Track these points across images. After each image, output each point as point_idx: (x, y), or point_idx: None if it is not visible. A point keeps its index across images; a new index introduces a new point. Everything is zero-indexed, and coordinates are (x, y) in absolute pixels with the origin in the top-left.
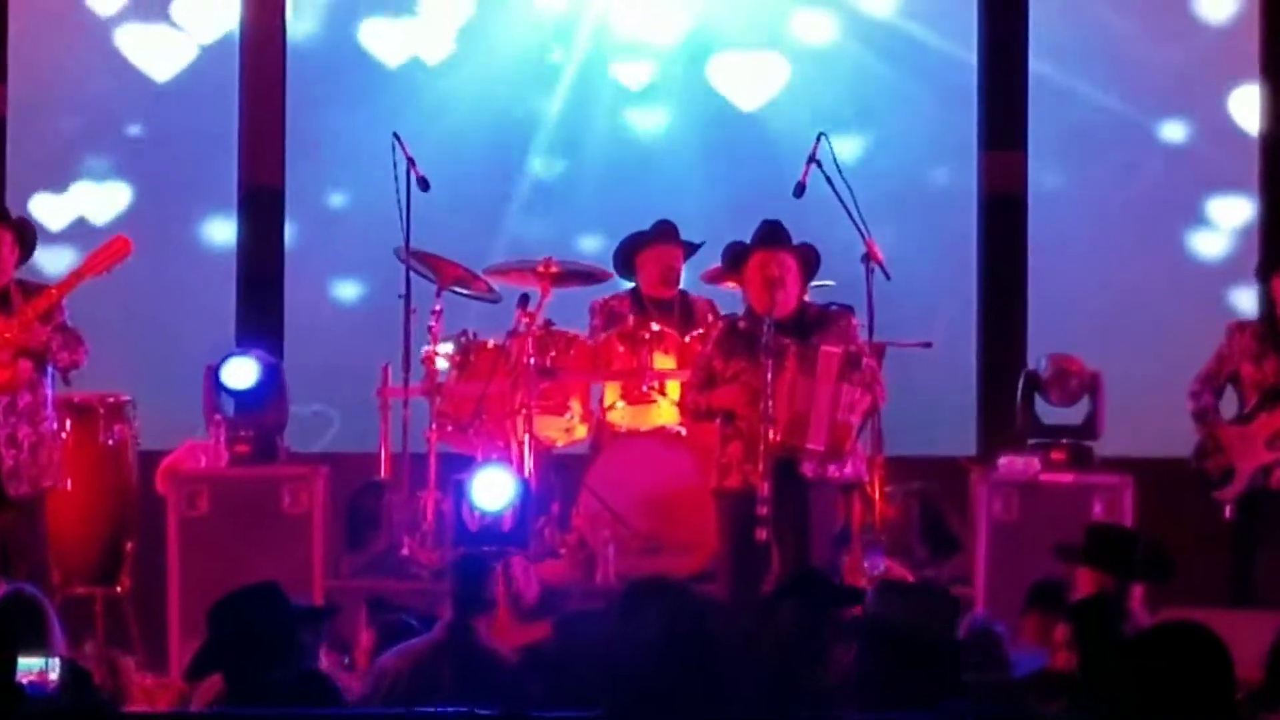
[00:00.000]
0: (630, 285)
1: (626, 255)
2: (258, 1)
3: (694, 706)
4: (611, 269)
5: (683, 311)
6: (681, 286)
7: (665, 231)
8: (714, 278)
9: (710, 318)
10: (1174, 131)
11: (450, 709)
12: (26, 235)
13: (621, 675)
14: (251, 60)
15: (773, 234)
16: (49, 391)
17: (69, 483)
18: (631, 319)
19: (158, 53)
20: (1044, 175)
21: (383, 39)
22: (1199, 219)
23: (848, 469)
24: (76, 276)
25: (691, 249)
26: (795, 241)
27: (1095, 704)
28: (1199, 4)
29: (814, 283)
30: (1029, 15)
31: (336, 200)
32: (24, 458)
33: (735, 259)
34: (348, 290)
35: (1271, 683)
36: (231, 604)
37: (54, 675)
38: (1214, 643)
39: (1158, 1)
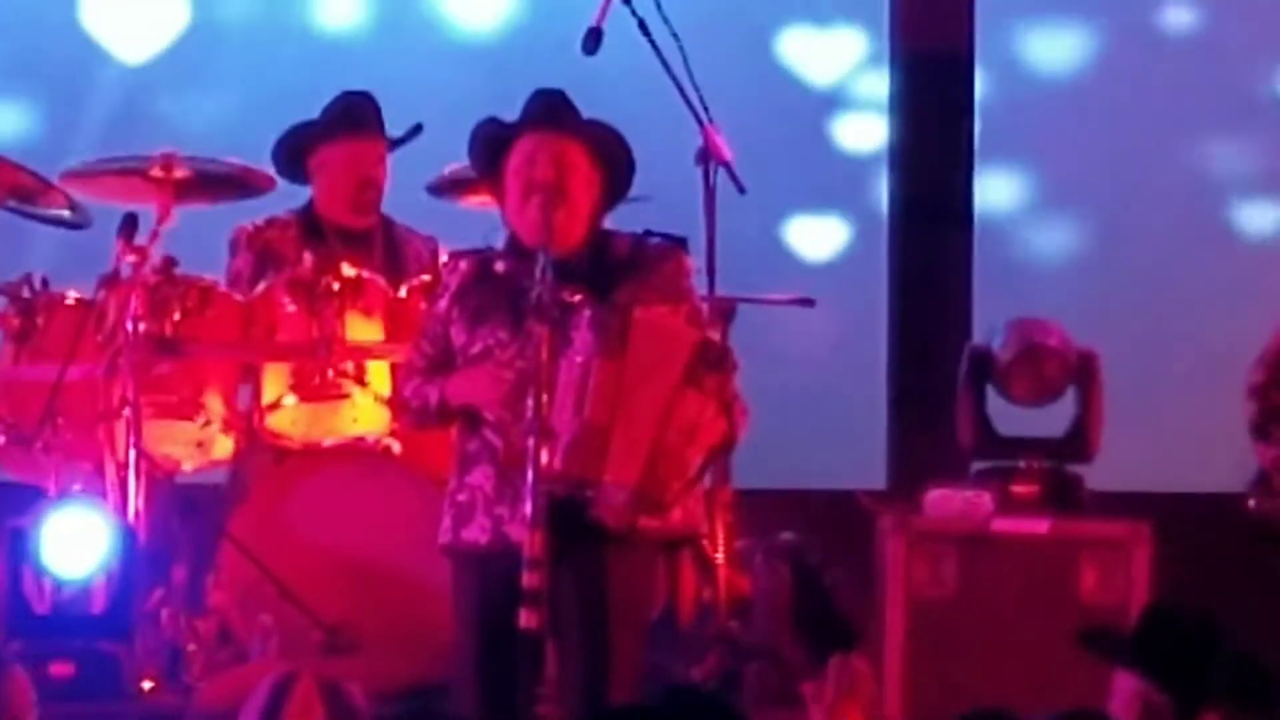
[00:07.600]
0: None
1: (294, 154)
2: None
3: None
4: (274, 171)
5: (388, 250)
6: (385, 209)
7: (354, 115)
8: (449, 187)
9: (436, 261)
10: None
11: None
12: None
13: None
14: None
15: (549, 110)
16: None
17: None
18: (307, 257)
19: None
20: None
21: None
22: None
23: (675, 515)
24: None
25: (399, 142)
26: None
27: None
28: None
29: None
30: None
31: None
32: None
33: (489, 151)
34: None
35: None
36: None
37: None
38: None
39: None
